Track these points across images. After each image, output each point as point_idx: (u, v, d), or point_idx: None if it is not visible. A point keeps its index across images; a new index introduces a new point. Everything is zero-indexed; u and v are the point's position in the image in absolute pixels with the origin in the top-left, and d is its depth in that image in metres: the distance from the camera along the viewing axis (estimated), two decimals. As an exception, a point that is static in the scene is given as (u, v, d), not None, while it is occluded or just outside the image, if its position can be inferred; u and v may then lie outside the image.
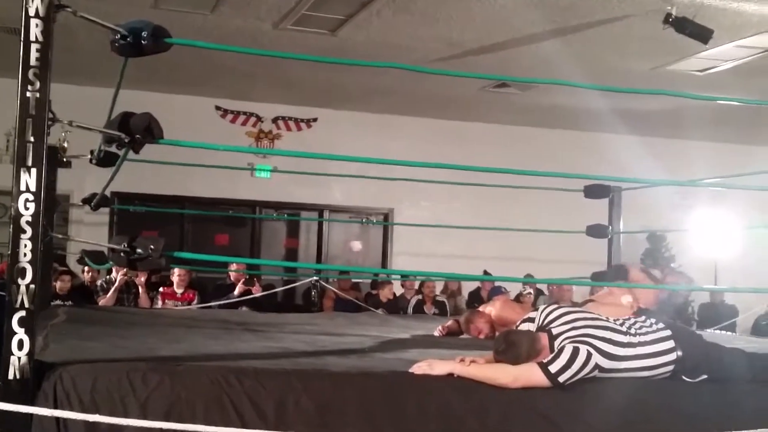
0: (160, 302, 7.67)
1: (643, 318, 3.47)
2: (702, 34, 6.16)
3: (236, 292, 7.75)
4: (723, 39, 6.81)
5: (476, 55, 7.64)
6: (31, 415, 2.66)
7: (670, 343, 3.33)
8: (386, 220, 10.82)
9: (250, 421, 2.77)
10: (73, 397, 2.71)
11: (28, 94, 2.62)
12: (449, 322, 5.38)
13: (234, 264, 8.17)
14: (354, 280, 9.46)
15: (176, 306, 7.53)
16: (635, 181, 4.78)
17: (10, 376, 2.61)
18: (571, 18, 6.64)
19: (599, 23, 6.72)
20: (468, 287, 10.00)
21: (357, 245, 10.86)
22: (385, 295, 8.79)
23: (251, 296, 7.76)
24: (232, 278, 8.13)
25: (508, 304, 5.43)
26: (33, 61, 2.62)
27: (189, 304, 7.64)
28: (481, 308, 5.53)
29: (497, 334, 4.56)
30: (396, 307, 8.77)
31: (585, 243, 6.57)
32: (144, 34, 2.82)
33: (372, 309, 8.04)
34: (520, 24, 6.83)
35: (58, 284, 7.17)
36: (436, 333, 5.26)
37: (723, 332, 6.73)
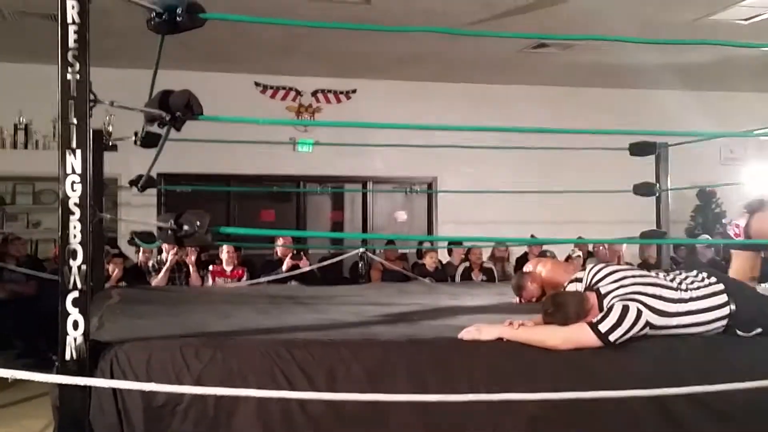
0: (210, 280, 7.77)
1: (694, 272, 3.41)
2: (746, -18, 5.98)
3: (284, 267, 7.82)
4: (768, -15, 6.62)
5: (512, 16, 7.51)
6: (90, 394, 2.74)
7: (723, 298, 3.28)
8: (430, 189, 10.78)
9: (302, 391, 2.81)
10: (129, 373, 2.77)
11: (69, 76, 2.65)
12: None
13: (281, 239, 8.23)
14: (400, 251, 9.47)
15: (226, 283, 7.63)
16: (681, 135, 4.67)
17: (67, 357, 2.66)
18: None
19: (639, -25, 6.57)
20: (515, 252, 9.95)
21: (402, 215, 10.85)
22: (428, 263, 8.79)
23: (300, 270, 7.82)
24: (279, 254, 8.20)
25: (557, 265, 5.35)
26: (71, 43, 2.65)
27: (239, 281, 7.73)
28: (529, 268, 5.45)
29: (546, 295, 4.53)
30: (443, 275, 8.77)
31: (633, 202, 6.47)
32: (179, 10, 2.83)
33: (419, 278, 8.04)
34: (557, -20, 6.70)
35: (110, 267, 7.31)
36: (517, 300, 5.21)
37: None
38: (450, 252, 9.31)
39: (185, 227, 2.88)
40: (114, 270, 7.37)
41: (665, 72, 9.70)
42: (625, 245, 8.98)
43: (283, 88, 10.26)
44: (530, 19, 7.55)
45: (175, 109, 2.85)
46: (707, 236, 10.00)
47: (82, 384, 2.62)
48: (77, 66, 2.66)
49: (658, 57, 9.07)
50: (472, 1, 7.15)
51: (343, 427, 2.86)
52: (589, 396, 2.73)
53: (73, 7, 2.66)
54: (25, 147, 9.23)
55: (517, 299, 5.18)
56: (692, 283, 3.32)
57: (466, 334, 3.15)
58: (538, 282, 5.10)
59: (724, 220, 10.70)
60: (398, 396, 2.71)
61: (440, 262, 9.02)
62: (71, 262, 2.67)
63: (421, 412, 2.89)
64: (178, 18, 2.86)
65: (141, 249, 7.80)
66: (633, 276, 3.32)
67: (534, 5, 7.28)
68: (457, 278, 8.77)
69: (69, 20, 2.66)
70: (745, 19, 7.72)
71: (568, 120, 9.48)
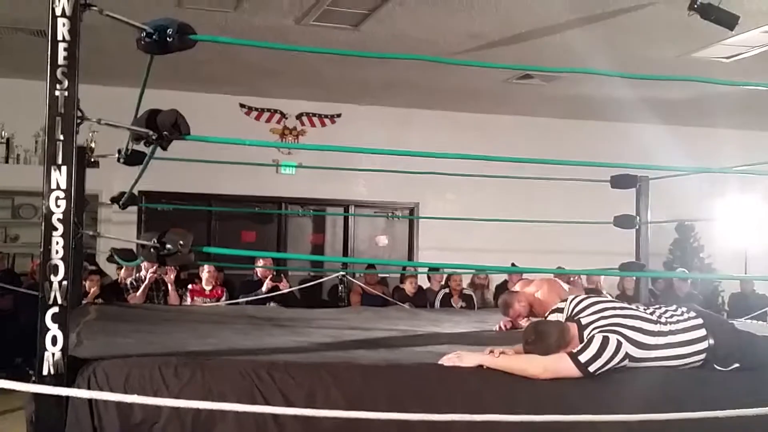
0: (188, 299, 7.74)
1: (674, 306, 3.44)
2: (728, 21, 6.07)
3: (264, 288, 7.80)
4: (749, 25, 6.71)
5: (499, 47, 7.61)
6: (66, 409, 2.71)
7: (702, 332, 3.30)
8: (412, 215, 10.81)
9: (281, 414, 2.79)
10: (106, 390, 2.75)
11: (57, 92, 2.66)
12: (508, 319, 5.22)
13: (261, 260, 8.21)
14: (381, 275, 9.47)
15: (205, 303, 7.59)
16: (662, 169, 4.73)
17: (45, 372, 2.64)
18: (595, 6, 6.59)
19: (624, 11, 6.65)
20: (495, 280, 9.98)
21: (383, 240, 10.86)
22: (408, 288, 8.79)
23: (279, 292, 7.80)
24: (259, 275, 8.18)
25: (555, 288, 5.22)
26: (61, 60, 2.65)
27: (218, 301, 7.70)
28: (521, 287, 5.39)
29: (532, 319, 4.53)
30: (423, 300, 8.78)
31: (613, 234, 6.52)
32: (169, 31, 2.84)
33: (399, 303, 8.04)
34: (544, 13, 6.78)
35: (87, 284, 7.25)
36: (497, 328, 5.16)
37: (754, 322, 6.66)
38: (429, 278, 9.33)
39: (168, 246, 2.88)
40: (91, 287, 7.32)
41: (647, 107, 9.83)
42: (603, 276, 9.03)
43: (269, 110, 10.29)
44: (515, 51, 7.64)
45: (163, 128, 2.85)
46: (684, 270, 10.09)
47: (58, 396, 2.60)
48: (66, 83, 2.67)
49: (640, 92, 9.19)
50: (459, 31, 7.23)
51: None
52: (566, 420, 2.74)
53: (63, 25, 2.67)
54: (6, 161, 9.16)
55: (498, 327, 5.17)
56: (671, 316, 3.35)
57: (447, 361, 3.16)
58: (526, 300, 5.07)
59: (701, 255, 10.82)
60: (377, 414, 2.70)
61: (420, 287, 9.03)
62: (52, 277, 2.65)
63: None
64: (168, 39, 2.87)
65: (123, 266, 7.75)
66: (613, 308, 3.35)
67: (519, 37, 7.37)
68: (437, 304, 8.78)
69: (59, 37, 2.67)
70: (727, 57, 7.85)
71: (551, 151, 9.54)
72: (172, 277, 7.74)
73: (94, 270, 7.87)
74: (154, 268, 7.46)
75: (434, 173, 7.78)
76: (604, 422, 2.88)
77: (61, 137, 2.66)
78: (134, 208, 8.78)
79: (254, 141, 4.61)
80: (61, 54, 2.66)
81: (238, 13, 6.85)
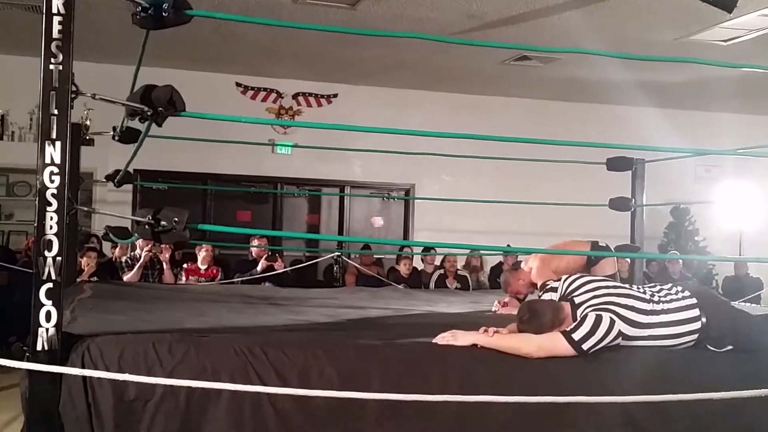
0: (183, 278, 7.73)
1: (668, 285, 3.45)
2: (726, 3, 6.02)
3: (259, 268, 7.79)
4: (747, 8, 6.70)
5: (496, 28, 7.57)
6: (60, 386, 2.71)
7: (695, 311, 3.31)
8: (407, 196, 10.81)
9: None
10: (101, 367, 2.76)
11: (51, 66, 2.65)
12: (507, 298, 5.23)
13: (256, 240, 8.21)
14: (376, 256, 9.47)
15: (200, 282, 7.59)
16: (658, 150, 4.72)
17: (39, 348, 2.65)
18: (592, -12, 6.57)
19: (621, -7, 6.64)
20: (490, 262, 10.00)
21: (378, 221, 10.86)
22: (403, 270, 8.81)
23: (274, 272, 7.80)
24: (254, 254, 8.17)
25: (546, 264, 5.18)
26: (55, 34, 2.64)
27: (212, 280, 7.70)
28: (522, 265, 5.36)
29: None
30: (418, 282, 8.79)
31: (608, 216, 6.53)
32: (165, 6, 2.81)
33: (394, 284, 8.05)
34: (542, -6, 6.75)
35: (84, 260, 7.24)
36: (494, 308, 5.17)
37: (748, 305, 6.67)
38: (423, 259, 9.34)
39: (163, 223, 2.87)
40: (87, 264, 7.31)
41: (644, 90, 9.81)
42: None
43: (265, 89, 10.24)
44: (513, 32, 7.61)
45: (158, 104, 2.84)
46: (677, 253, 10.12)
47: (53, 372, 2.61)
48: (60, 57, 2.66)
49: (637, 75, 9.16)
50: (457, 11, 7.19)
51: (314, 428, 2.85)
52: (560, 401, 2.75)
53: (58, -2, 2.65)
54: (1, 138, 9.11)
55: (495, 308, 5.17)
56: (665, 295, 3.36)
57: (441, 340, 3.17)
58: (525, 279, 5.01)
59: (696, 238, 10.84)
60: (369, 394, 2.71)
61: (415, 269, 9.04)
62: (46, 253, 2.65)
63: (391, 416, 2.89)
64: (164, 14, 2.84)
65: (118, 245, 7.74)
66: (606, 287, 3.35)
67: (517, 18, 7.34)
68: (432, 285, 8.79)
69: (54, 11, 2.65)
70: (725, 41, 7.83)
71: (547, 133, 9.54)
72: (167, 256, 7.73)
73: (92, 246, 7.85)
74: (149, 246, 7.45)
75: (429, 154, 7.78)
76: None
77: (56, 112, 2.65)
78: (129, 187, 8.76)
79: (249, 118, 4.59)
80: (56, 27, 2.65)
81: (234, -9, 6.80)
